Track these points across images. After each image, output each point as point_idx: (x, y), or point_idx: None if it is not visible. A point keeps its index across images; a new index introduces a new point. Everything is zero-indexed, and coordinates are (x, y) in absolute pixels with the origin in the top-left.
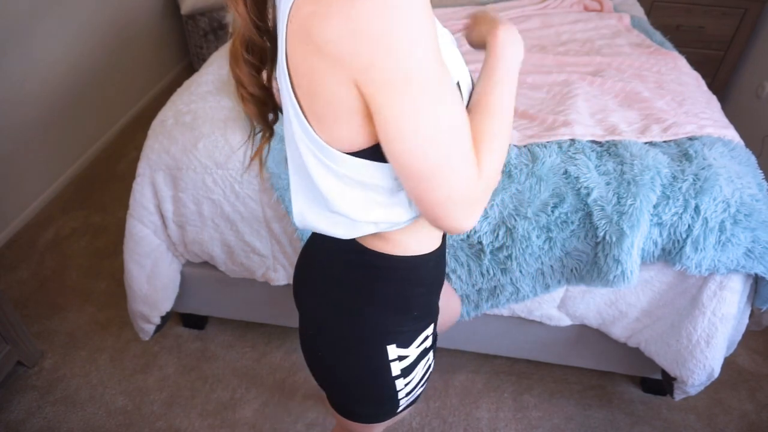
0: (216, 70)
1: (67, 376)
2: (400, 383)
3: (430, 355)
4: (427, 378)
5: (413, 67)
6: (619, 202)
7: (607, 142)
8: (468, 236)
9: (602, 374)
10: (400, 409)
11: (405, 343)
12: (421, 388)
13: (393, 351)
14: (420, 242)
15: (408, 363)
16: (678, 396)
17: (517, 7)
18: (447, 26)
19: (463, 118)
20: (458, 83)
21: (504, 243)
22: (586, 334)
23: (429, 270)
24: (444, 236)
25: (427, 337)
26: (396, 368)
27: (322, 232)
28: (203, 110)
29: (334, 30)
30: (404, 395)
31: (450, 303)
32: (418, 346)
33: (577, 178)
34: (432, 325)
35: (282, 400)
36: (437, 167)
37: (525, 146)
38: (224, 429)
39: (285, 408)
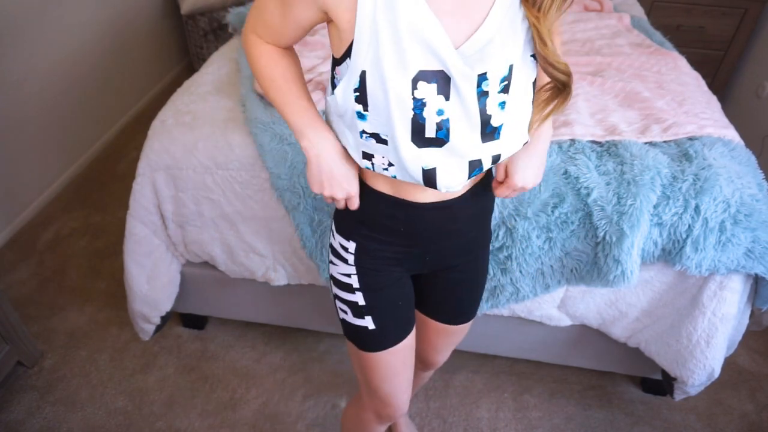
0: (216, 70)
1: (67, 376)
2: (331, 255)
3: (353, 278)
4: (353, 315)
5: None
6: (619, 202)
7: (607, 142)
8: None
9: (602, 374)
10: (341, 317)
11: (337, 227)
12: (347, 317)
13: (333, 228)
14: (374, 179)
15: (332, 246)
16: (678, 396)
17: None
18: None
19: (270, 10)
20: (444, 71)
21: (504, 243)
22: (586, 334)
23: (373, 208)
24: (406, 210)
25: (347, 250)
26: (332, 239)
27: None
28: (203, 110)
29: None
30: (336, 289)
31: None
32: (340, 245)
33: (577, 178)
34: (355, 246)
35: (282, 400)
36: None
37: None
38: (224, 429)
39: (285, 408)
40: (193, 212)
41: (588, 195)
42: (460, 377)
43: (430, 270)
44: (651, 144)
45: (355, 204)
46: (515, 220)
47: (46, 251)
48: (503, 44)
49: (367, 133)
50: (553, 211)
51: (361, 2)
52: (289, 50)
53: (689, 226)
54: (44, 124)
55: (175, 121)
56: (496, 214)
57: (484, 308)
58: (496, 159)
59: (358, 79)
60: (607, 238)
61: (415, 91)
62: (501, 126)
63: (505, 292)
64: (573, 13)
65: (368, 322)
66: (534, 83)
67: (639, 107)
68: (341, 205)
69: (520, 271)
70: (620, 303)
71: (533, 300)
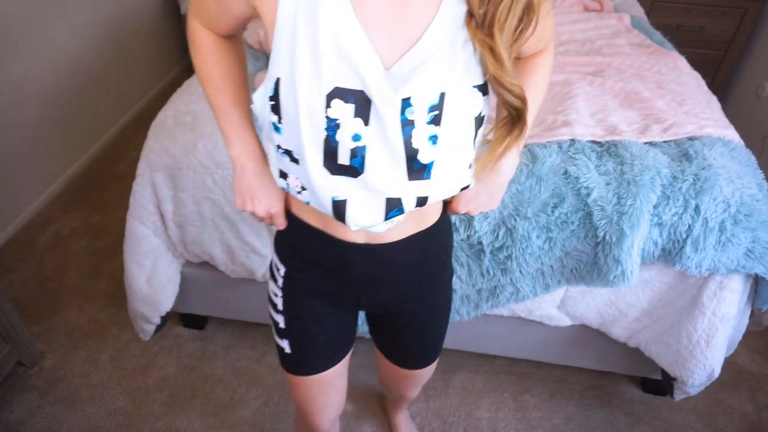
0: None
1: (67, 376)
2: (268, 270)
3: (278, 299)
4: (275, 332)
5: None
6: (619, 202)
7: (607, 142)
8: (468, 236)
9: (602, 374)
10: (273, 333)
11: (274, 246)
12: (272, 331)
13: (272, 245)
14: (301, 209)
15: (270, 261)
16: (678, 396)
17: None
18: None
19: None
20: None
21: (504, 243)
22: (586, 334)
23: (300, 238)
24: (330, 243)
25: (278, 272)
26: (272, 255)
27: None
28: (203, 110)
29: None
30: (268, 303)
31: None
32: (275, 265)
33: (577, 178)
34: (284, 271)
35: (282, 400)
36: None
37: (525, 146)
38: (224, 429)
39: (285, 408)
40: (193, 212)
41: (588, 195)
42: (460, 377)
43: (370, 311)
44: (651, 144)
45: (279, 224)
46: (515, 220)
47: (46, 251)
48: (436, 67)
49: (281, 148)
50: (553, 211)
51: (282, 3)
52: (233, 43)
53: (689, 226)
54: (44, 124)
55: (175, 121)
56: (495, 213)
57: (484, 308)
58: (421, 201)
59: (273, 86)
60: (607, 238)
61: (328, 109)
62: (432, 164)
63: (505, 292)
64: (573, 13)
65: (285, 345)
66: (479, 120)
67: (639, 107)
68: (267, 222)
69: (520, 271)
70: (620, 303)
71: (533, 300)
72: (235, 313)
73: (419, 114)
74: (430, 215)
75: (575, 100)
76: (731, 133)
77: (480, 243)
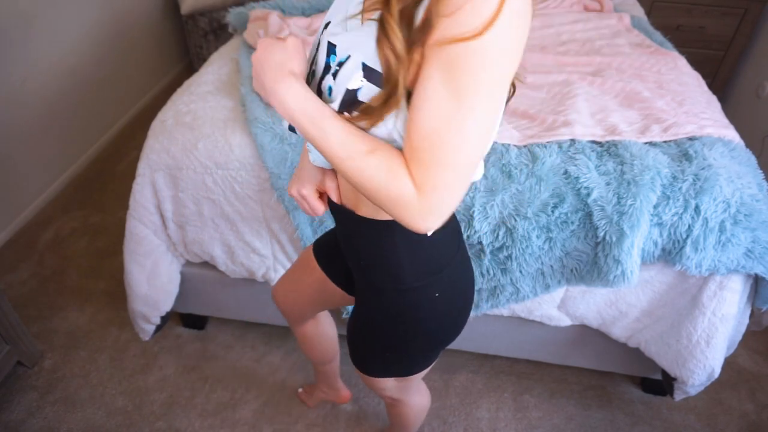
0: (216, 70)
1: (67, 376)
2: None
3: None
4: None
5: None
6: (619, 202)
7: (607, 142)
8: (468, 236)
9: (602, 374)
10: None
11: None
12: None
13: None
14: None
15: None
16: (678, 396)
17: None
18: None
19: None
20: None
21: (504, 243)
22: (586, 334)
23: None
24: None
25: None
26: None
27: None
28: (203, 110)
29: None
30: None
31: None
32: None
33: (577, 178)
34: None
35: (282, 400)
36: None
37: (525, 146)
38: (224, 429)
39: (285, 408)
40: (193, 212)
41: (588, 195)
42: (460, 377)
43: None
44: (651, 144)
45: (314, 207)
46: (515, 220)
47: (46, 251)
48: (360, 29)
49: None
50: (553, 211)
51: None
52: None
53: (689, 226)
54: (44, 123)
55: (175, 121)
56: (495, 213)
57: (484, 308)
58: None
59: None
60: (607, 238)
61: (321, 36)
62: None
63: (505, 292)
64: (573, 13)
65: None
66: (350, 96)
67: (639, 107)
68: (304, 207)
69: (520, 271)
70: (620, 303)
71: (533, 300)
72: (235, 313)
73: (334, 65)
74: (362, 201)
75: (575, 100)
76: (731, 133)
77: (480, 243)
